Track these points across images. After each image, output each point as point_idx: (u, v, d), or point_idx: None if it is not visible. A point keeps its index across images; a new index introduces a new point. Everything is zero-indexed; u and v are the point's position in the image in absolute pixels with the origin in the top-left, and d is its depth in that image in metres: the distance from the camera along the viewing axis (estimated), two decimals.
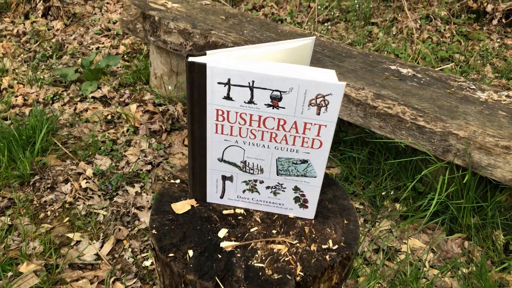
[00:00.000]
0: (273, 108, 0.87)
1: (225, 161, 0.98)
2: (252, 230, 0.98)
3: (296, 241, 0.95)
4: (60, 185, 1.74)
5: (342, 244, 0.96)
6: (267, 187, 0.99)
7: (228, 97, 0.88)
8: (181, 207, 1.05)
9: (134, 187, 1.77)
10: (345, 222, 1.02)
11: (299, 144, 0.91)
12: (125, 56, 2.85)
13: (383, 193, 1.51)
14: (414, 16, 3.28)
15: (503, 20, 3.40)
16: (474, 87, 1.55)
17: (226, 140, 0.94)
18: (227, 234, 0.96)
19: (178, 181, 1.12)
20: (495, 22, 3.46)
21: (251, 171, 0.98)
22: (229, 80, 0.85)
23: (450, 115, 1.35)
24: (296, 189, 0.99)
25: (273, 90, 0.85)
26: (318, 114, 0.86)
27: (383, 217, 1.55)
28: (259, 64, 0.84)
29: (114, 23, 3.53)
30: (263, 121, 0.89)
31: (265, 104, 0.87)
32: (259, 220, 0.99)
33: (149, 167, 1.88)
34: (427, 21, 3.33)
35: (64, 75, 2.52)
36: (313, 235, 0.97)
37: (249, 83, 0.84)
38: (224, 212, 1.02)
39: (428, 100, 1.43)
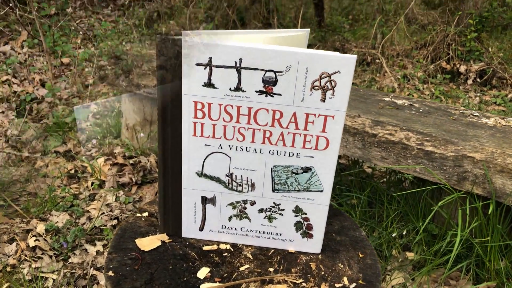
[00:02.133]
0: (266, 96, 0.69)
1: (205, 176, 0.77)
2: (242, 268, 0.75)
3: (301, 280, 0.73)
4: (3, 246, 1.44)
5: (361, 282, 0.74)
6: (260, 210, 0.78)
7: (209, 84, 0.69)
8: (149, 243, 0.81)
9: (96, 245, 1.48)
10: (361, 255, 0.82)
11: (299, 145, 0.72)
12: (96, 115, 2.68)
13: (393, 235, 1.29)
14: (393, 74, 3.33)
15: (478, 80, 3.50)
16: (477, 114, 1.44)
17: (207, 145, 0.74)
18: (209, 274, 0.73)
19: (145, 214, 0.90)
20: (470, 81, 3.55)
21: (239, 188, 0.77)
22: (210, 60, 0.67)
23: (461, 138, 1.20)
24: (297, 210, 0.77)
25: (266, 71, 0.68)
26: (323, 100, 0.68)
27: (394, 268, 1.31)
28: (247, 43, 0.67)
29: (87, 86, 3.41)
30: (254, 114, 0.70)
31: (256, 91, 0.69)
32: (250, 257, 0.77)
33: (114, 222, 1.61)
34: (405, 80, 3.38)
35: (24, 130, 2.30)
36: (322, 272, 0.75)
37: (235, 62, 0.67)
38: (205, 248, 0.79)
39: (432, 125, 1.29)
